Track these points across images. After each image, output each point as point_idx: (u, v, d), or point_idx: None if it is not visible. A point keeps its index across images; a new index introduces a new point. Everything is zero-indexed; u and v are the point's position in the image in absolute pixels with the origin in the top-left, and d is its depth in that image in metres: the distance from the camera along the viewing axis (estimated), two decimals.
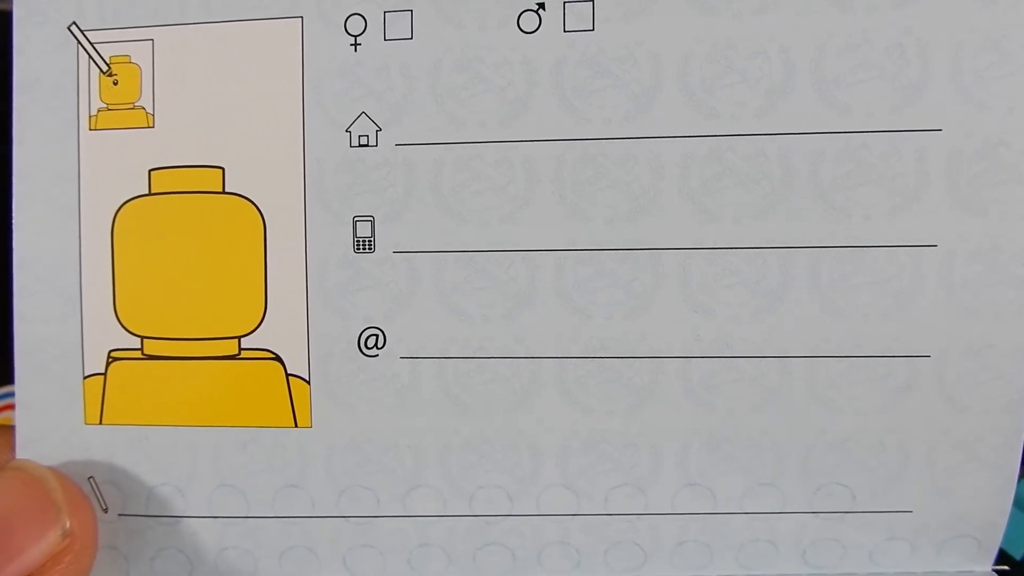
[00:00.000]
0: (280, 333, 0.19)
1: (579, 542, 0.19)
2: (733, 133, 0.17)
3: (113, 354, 0.19)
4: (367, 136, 0.18)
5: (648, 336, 0.18)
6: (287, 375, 0.19)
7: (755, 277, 0.18)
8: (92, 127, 0.19)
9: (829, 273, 0.17)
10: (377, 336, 0.18)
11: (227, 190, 0.19)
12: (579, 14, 0.17)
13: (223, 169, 0.18)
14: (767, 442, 0.18)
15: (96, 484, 0.19)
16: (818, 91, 0.17)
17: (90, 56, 0.19)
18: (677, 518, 0.19)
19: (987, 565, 0.19)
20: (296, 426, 0.19)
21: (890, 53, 0.17)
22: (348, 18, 0.18)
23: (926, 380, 0.18)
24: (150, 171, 0.19)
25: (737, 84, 0.17)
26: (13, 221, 0.19)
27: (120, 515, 0.19)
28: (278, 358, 0.19)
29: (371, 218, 0.18)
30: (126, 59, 0.19)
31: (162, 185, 0.19)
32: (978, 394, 0.18)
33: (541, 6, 0.18)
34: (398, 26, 0.18)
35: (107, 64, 0.19)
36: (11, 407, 0.29)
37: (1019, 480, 0.18)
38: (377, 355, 0.19)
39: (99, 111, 0.19)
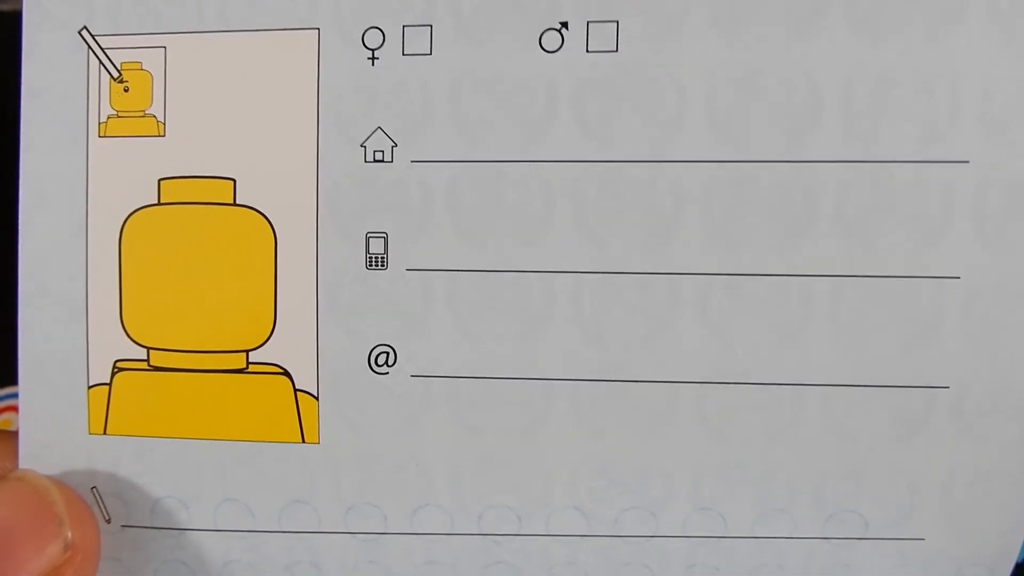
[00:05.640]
0: (289, 348, 0.18)
1: (587, 563, 0.19)
2: (757, 159, 0.17)
3: (119, 364, 0.19)
4: (382, 152, 0.18)
5: (664, 362, 0.18)
6: (295, 390, 0.18)
7: (774, 306, 0.17)
8: (101, 134, 0.18)
9: (850, 303, 0.17)
10: (388, 354, 0.18)
11: (238, 202, 0.18)
12: (603, 35, 0.17)
13: (234, 181, 0.18)
14: (780, 470, 0.18)
15: (99, 495, 0.19)
16: (845, 122, 0.17)
17: (101, 62, 0.18)
18: (686, 541, 0.19)
19: None
20: (304, 442, 0.19)
21: (920, 87, 0.17)
22: (366, 31, 0.18)
23: (944, 411, 0.17)
24: (160, 180, 0.18)
25: (763, 112, 0.17)
26: (19, 228, 0.19)
27: (123, 526, 0.19)
28: (287, 373, 0.18)
29: (384, 235, 0.18)
30: (138, 66, 0.18)
31: (172, 195, 0.18)
32: (996, 426, 0.17)
33: (564, 25, 0.17)
34: (417, 41, 0.17)
35: (118, 70, 0.18)
36: (11, 408, 0.29)
37: None
38: (388, 373, 0.18)
39: (109, 118, 0.18)
